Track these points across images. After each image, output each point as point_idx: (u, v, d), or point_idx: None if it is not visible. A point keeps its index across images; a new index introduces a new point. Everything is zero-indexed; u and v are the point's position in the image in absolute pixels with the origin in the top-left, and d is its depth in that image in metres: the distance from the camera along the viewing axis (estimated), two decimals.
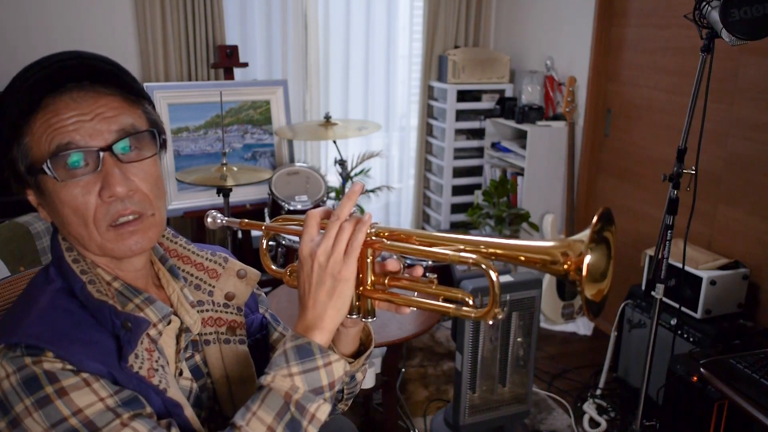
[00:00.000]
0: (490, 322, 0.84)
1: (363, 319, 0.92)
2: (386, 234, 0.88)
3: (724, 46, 1.92)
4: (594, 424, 2.72)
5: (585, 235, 0.76)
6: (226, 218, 1.00)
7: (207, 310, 1.02)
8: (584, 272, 0.75)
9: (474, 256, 0.82)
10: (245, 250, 3.63)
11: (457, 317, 0.87)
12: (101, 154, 0.84)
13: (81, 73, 0.85)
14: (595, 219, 0.77)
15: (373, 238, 0.87)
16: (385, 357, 2.43)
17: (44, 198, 0.88)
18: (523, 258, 0.82)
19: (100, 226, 0.86)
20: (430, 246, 0.86)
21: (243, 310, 1.05)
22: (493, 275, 0.80)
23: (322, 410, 0.83)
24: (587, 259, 0.75)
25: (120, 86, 0.88)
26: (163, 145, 0.93)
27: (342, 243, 0.84)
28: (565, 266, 0.77)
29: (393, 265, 0.92)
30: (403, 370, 3.04)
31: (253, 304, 1.12)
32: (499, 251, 0.83)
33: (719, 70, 2.48)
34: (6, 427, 0.79)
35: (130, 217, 0.87)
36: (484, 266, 0.81)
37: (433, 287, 0.89)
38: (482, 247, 0.84)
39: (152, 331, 0.89)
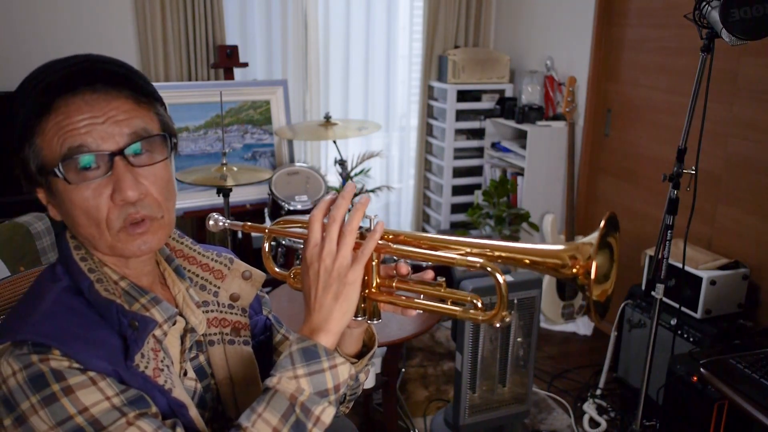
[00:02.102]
0: (497, 325, 0.84)
1: (368, 321, 0.92)
2: (392, 237, 0.88)
3: (724, 46, 1.92)
4: (594, 424, 2.72)
5: (593, 237, 0.77)
6: (228, 221, 0.99)
7: (212, 311, 1.02)
8: (593, 275, 0.75)
9: (481, 260, 0.82)
10: (245, 250, 3.63)
11: (464, 320, 0.87)
12: (113, 157, 0.84)
13: (94, 76, 0.85)
14: (602, 223, 0.77)
15: (380, 242, 0.87)
16: (385, 357, 2.43)
17: (55, 198, 0.88)
18: (528, 261, 0.82)
19: (113, 227, 0.86)
20: (436, 249, 0.86)
21: (247, 311, 1.05)
22: (500, 279, 0.81)
23: (327, 413, 0.83)
24: (595, 262, 0.76)
25: (132, 89, 0.88)
26: (175, 149, 0.93)
27: (346, 246, 0.84)
28: (574, 270, 0.78)
29: (403, 268, 0.92)
30: (403, 370, 3.04)
31: (257, 306, 1.12)
32: (504, 254, 0.83)
33: (719, 70, 2.49)
34: (11, 424, 0.79)
35: (140, 219, 0.87)
36: (490, 269, 0.81)
37: (442, 290, 0.89)
38: (488, 250, 0.84)
39: (158, 332, 0.89)
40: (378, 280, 0.90)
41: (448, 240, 0.87)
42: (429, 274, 0.92)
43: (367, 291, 0.90)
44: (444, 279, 0.89)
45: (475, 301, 0.86)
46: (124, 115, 0.86)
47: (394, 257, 0.90)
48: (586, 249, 0.77)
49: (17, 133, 0.85)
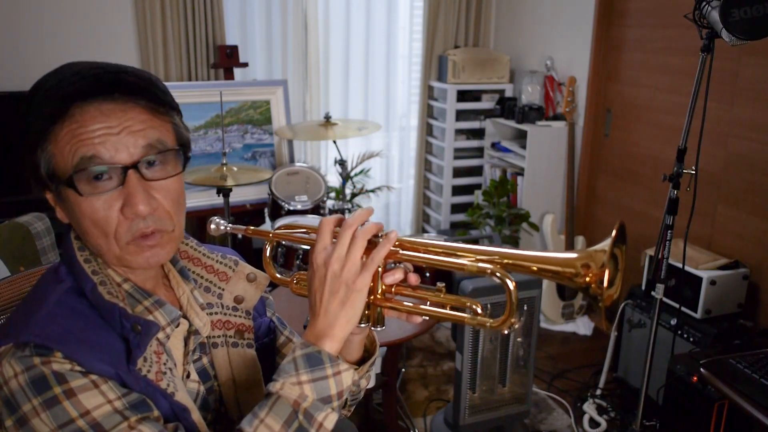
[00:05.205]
0: (506, 332, 0.84)
1: (372, 328, 0.91)
2: (399, 244, 0.87)
3: (724, 46, 1.92)
4: (594, 424, 2.72)
5: (605, 245, 0.76)
6: (230, 225, 0.99)
7: (216, 313, 1.01)
8: (605, 284, 0.75)
9: (491, 266, 0.81)
10: (245, 249, 3.62)
11: (471, 326, 0.86)
12: (126, 170, 0.83)
13: (112, 87, 0.84)
14: (614, 232, 0.77)
15: (390, 248, 0.86)
16: (385, 357, 2.43)
17: (64, 204, 0.87)
18: (538, 269, 0.81)
19: (121, 240, 0.85)
20: (446, 256, 0.85)
21: (252, 313, 1.04)
22: (511, 285, 0.80)
23: (329, 419, 0.83)
24: (608, 271, 0.76)
25: (150, 98, 0.87)
26: (187, 161, 0.92)
27: (356, 252, 0.83)
28: (587, 279, 0.77)
29: (396, 274, 0.91)
30: (403, 370, 3.04)
31: (261, 308, 1.11)
32: (514, 262, 0.83)
33: (719, 70, 2.49)
34: (13, 425, 0.79)
35: (150, 233, 0.86)
36: (499, 275, 0.81)
37: (441, 296, 0.88)
38: (498, 257, 0.83)
39: (160, 334, 0.88)
40: (384, 287, 0.89)
41: (457, 247, 0.86)
42: (411, 279, 0.90)
43: (372, 297, 0.89)
44: (444, 284, 0.89)
45: (474, 306, 0.85)
46: (140, 125, 0.84)
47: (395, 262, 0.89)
48: (599, 257, 0.77)
49: (30, 136, 0.84)
